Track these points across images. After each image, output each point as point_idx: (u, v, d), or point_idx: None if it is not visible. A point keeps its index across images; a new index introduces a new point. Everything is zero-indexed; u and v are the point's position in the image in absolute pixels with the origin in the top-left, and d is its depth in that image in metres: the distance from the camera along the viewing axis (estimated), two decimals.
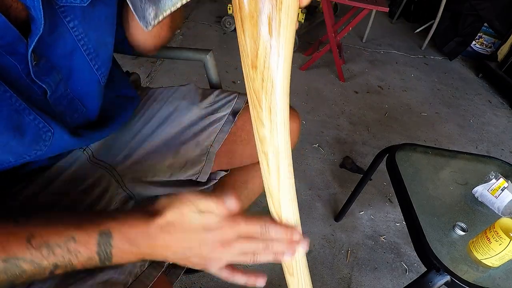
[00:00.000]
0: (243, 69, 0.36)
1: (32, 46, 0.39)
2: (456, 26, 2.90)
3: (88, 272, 0.49)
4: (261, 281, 0.43)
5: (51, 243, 0.36)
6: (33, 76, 0.42)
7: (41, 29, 0.38)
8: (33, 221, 0.37)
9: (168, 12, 0.36)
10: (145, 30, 0.37)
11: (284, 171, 0.40)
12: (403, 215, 0.86)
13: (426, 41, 3.02)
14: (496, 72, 2.61)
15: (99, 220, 0.38)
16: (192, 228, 0.38)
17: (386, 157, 1.03)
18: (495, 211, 0.88)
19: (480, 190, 0.91)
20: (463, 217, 0.86)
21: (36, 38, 0.39)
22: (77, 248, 0.37)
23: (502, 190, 0.87)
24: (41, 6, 0.37)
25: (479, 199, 0.91)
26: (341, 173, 1.62)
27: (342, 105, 2.12)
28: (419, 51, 3.03)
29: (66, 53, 0.45)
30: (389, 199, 1.54)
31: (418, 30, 3.28)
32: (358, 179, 1.25)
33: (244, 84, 0.37)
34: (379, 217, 1.45)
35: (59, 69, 0.45)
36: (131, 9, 0.36)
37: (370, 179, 1.35)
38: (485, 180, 0.92)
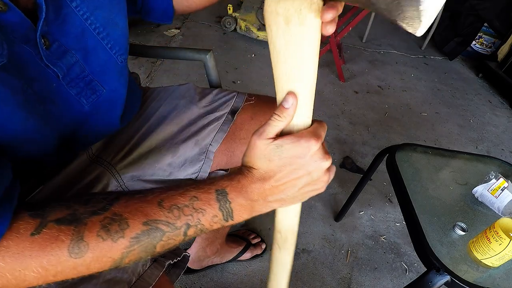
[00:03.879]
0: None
1: (39, 31, 0.40)
2: (456, 26, 2.89)
3: None
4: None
5: (179, 204, 0.40)
6: (45, 61, 0.42)
7: (44, 12, 0.39)
8: (158, 190, 0.41)
9: None
10: None
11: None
12: (403, 215, 0.86)
13: (426, 41, 3.02)
14: (496, 72, 2.61)
15: (211, 182, 0.42)
16: (288, 160, 0.40)
17: (386, 157, 1.03)
18: (495, 211, 0.88)
19: (480, 190, 0.91)
20: (463, 217, 0.86)
21: (41, 22, 0.39)
22: (201, 206, 0.40)
23: (502, 190, 0.87)
24: None
25: (479, 199, 0.91)
26: (341, 173, 1.62)
27: (342, 105, 2.12)
28: (419, 51, 3.03)
29: (77, 35, 0.46)
30: (389, 199, 1.54)
31: None
32: (358, 179, 1.24)
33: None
34: (379, 217, 1.45)
35: (74, 51, 0.46)
36: None
37: (370, 179, 1.35)
38: (485, 180, 0.92)
